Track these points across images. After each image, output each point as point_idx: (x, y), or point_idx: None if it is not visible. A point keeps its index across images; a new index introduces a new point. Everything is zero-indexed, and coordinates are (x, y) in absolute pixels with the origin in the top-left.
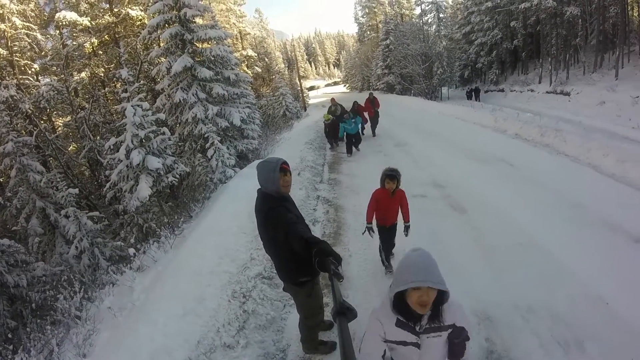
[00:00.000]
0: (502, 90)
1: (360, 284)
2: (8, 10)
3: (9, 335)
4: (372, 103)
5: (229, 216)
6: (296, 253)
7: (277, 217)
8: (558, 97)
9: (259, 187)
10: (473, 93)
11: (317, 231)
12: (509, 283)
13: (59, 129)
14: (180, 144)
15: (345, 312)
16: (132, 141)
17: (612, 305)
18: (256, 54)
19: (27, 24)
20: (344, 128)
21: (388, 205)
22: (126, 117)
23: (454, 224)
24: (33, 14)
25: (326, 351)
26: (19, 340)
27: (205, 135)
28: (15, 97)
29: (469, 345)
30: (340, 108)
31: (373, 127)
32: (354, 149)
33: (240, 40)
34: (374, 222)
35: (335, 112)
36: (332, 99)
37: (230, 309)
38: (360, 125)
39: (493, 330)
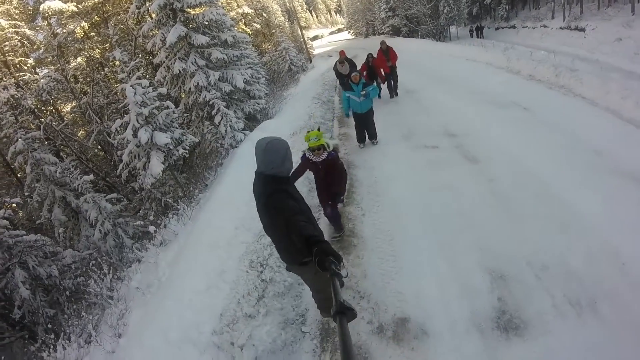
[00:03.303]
0: (514, 27)
1: (374, 244)
2: None
3: (49, 325)
4: (386, 55)
5: (241, 185)
6: None
7: (278, 203)
8: (572, 33)
9: (258, 170)
10: (475, 31)
11: (328, 138)
12: (524, 237)
13: (65, 117)
14: (186, 114)
15: (345, 312)
16: (137, 120)
17: (629, 265)
18: (253, 10)
19: (14, 22)
20: (349, 101)
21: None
22: (127, 97)
23: (468, 175)
24: (17, 11)
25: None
26: (59, 326)
27: (210, 102)
28: (16, 96)
29: None
30: (349, 66)
31: (390, 87)
32: (367, 138)
33: None
34: None
35: (342, 73)
36: (342, 52)
37: (249, 279)
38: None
39: (506, 290)
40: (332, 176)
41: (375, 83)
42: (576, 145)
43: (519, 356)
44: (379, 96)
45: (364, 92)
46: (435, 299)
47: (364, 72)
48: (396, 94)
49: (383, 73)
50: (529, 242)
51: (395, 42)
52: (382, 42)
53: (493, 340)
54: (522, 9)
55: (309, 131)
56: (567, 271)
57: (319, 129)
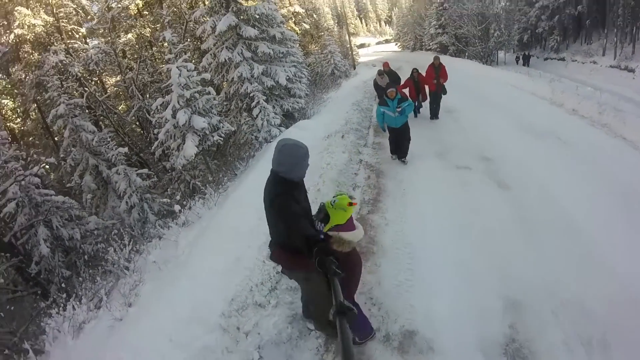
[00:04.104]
0: (563, 59)
1: (393, 255)
2: None
3: (63, 285)
4: (437, 71)
5: None
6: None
7: (281, 207)
8: (622, 73)
9: (272, 168)
10: (523, 59)
11: (356, 196)
12: (545, 269)
13: (109, 89)
14: (226, 103)
15: (345, 312)
16: (178, 101)
17: None
18: (304, 10)
19: None
20: (383, 115)
21: None
22: (172, 78)
23: (497, 200)
24: None
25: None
26: (72, 287)
27: (251, 94)
28: (64, 62)
29: None
30: (392, 77)
31: (433, 108)
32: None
33: None
34: None
35: (381, 86)
36: (385, 64)
37: (265, 269)
38: (412, 110)
39: (518, 318)
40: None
41: (417, 99)
42: (610, 185)
43: None
44: (417, 112)
45: (399, 109)
46: (446, 317)
47: (407, 88)
48: (436, 117)
49: (427, 90)
50: (549, 274)
51: (442, 60)
52: (436, 58)
53: None
54: (573, 42)
55: (351, 198)
56: (583, 309)
57: (350, 204)
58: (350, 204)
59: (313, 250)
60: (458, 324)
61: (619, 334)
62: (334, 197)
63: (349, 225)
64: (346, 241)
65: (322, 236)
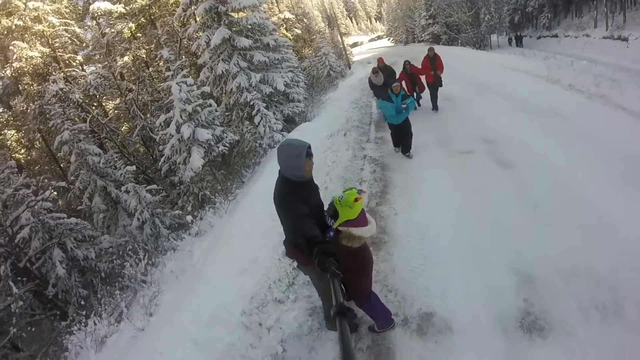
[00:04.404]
0: (556, 36)
1: (404, 242)
2: (43, 12)
3: (82, 303)
4: (432, 63)
5: None
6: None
7: (288, 206)
8: (615, 43)
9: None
10: (515, 40)
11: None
12: (554, 242)
13: (110, 112)
14: (227, 113)
15: (345, 312)
16: (180, 116)
17: None
18: (294, 16)
19: (64, 20)
20: (384, 109)
21: None
22: (172, 94)
23: (501, 181)
24: (67, 10)
25: (350, 330)
26: (90, 306)
27: (251, 103)
28: (64, 89)
29: None
30: (387, 72)
31: (433, 99)
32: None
33: (276, 4)
34: None
35: (376, 84)
36: (380, 59)
37: (281, 267)
38: (414, 104)
39: (532, 291)
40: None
41: (414, 92)
42: (612, 155)
43: (541, 357)
44: (418, 105)
45: (404, 106)
46: (462, 296)
47: (402, 81)
48: (436, 109)
49: (425, 82)
50: (558, 246)
51: (436, 50)
52: (430, 49)
53: (516, 340)
54: (564, 18)
55: (350, 189)
56: (594, 276)
57: (358, 197)
58: (356, 200)
59: (313, 250)
60: (473, 302)
61: (630, 295)
62: (343, 191)
63: (360, 220)
64: (356, 236)
65: (331, 232)
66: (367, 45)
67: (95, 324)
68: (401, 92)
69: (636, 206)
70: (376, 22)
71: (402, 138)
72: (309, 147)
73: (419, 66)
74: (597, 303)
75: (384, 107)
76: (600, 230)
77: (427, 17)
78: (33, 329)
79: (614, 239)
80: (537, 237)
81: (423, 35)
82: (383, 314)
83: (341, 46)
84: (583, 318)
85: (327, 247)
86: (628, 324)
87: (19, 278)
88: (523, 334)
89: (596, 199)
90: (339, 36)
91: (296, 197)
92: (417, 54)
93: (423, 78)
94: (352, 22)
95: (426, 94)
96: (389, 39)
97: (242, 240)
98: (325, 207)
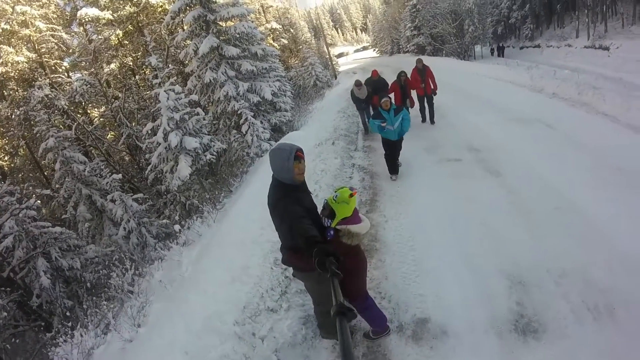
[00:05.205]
0: (539, 46)
1: (396, 249)
2: (30, 16)
3: (67, 314)
4: (422, 75)
5: (267, 189)
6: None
7: (283, 209)
8: (597, 52)
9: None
10: (497, 50)
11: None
12: (544, 247)
13: (96, 119)
14: (214, 122)
15: (345, 312)
16: (168, 124)
17: None
18: (281, 26)
19: (51, 25)
20: (378, 128)
21: None
22: (160, 101)
23: (489, 187)
24: (55, 16)
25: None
26: (76, 317)
27: (239, 112)
28: (50, 96)
29: None
30: (380, 84)
31: (423, 112)
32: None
33: (263, 14)
34: None
35: (359, 97)
36: (374, 72)
37: (273, 275)
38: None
39: (525, 294)
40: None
41: (404, 105)
42: (597, 161)
43: (536, 358)
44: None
45: (397, 122)
46: (455, 301)
47: (393, 92)
48: (432, 122)
49: (415, 96)
50: (548, 251)
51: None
52: (419, 61)
53: (511, 342)
54: (547, 28)
55: (352, 190)
56: (585, 279)
57: (351, 196)
58: (351, 195)
59: (313, 250)
60: (467, 307)
61: (621, 297)
62: (335, 192)
63: (355, 218)
64: (354, 234)
65: (331, 232)
66: (353, 55)
67: (81, 335)
68: (392, 107)
69: (622, 209)
70: (362, 33)
71: (395, 156)
72: (299, 150)
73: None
74: (588, 304)
75: (374, 127)
76: (588, 233)
77: (412, 29)
78: (17, 341)
79: (603, 242)
80: (527, 242)
81: (408, 46)
82: (379, 319)
83: (327, 56)
84: (576, 319)
85: (327, 247)
86: (619, 324)
87: (2, 288)
88: (517, 336)
89: (583, 204)
90: (325, 46)
91: (291, 199)
92: (402, 64)
93: (414, 92)
94: (338, 32)
95: (415, 109)
96: (374, 50)
97: (232, 248)
98: (319, 211)
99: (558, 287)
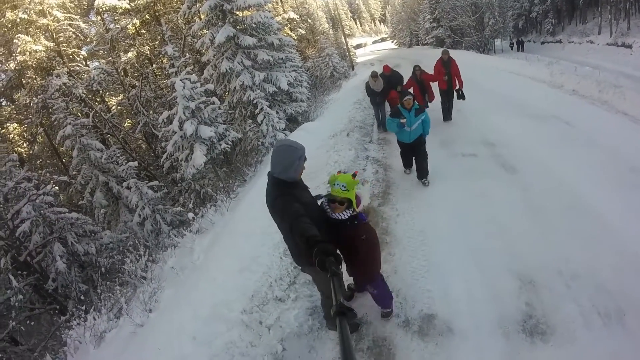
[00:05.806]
0: (560, 42)
1: (406, 243)
2: (48, 5)
3: (82, 297)
4: (446, 67)
5: None
6: None
7: (282, 207)
8: (619, 50)
9: (270, 171)
10: (516, 45)
11: (366, 190)
12: (556, 247)
13: (113, 108)
14: (230, 111)
15: (345, 312)
16: (184, 113)
17: None
18: (298, 16)
19: (68, 14)
20: (398, 126)
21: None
22: (176, 90)
23: (503, 184)
24: (72, 5)
25: (351, 330)
26: (90, 301)
27: (254, 102)
28: (68, 84)
29: None
30: (394, 79)
31: (445, 109)
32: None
33: (281, 4)
34: None
35: (374, 90)
36: (386, 67)
37: (282, 265)
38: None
39: (534, 295)
40: (356, 250)
41: (423, 101)
42: (614, 161)
43: None
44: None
45: (419, 119)
46: (463, 299)
47: (411, 88)
48: (449, 118)
49: (437, 91)
50: (560, 251)
51: (437, 53)
52: (444, 52)
53: (517, 343)
54: (568, 24)
55: (339, 172)
56: (596, 282)
57: (354, 176)
58: (354, 176)
59: (313, 250)
60: (475, 305)
61: (632, 302)
62: (335, 184)
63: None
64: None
65: (364, 215)
66: (371, 47)
67: (94, 319)
68: (414, 107)
69: (636, 211)
70: (380, 24)
71: (411, 159)
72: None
73: (429, 71)
74: (599, 309)
75: (391, 126)
76: (602, 235)
77: (431, 20)
78: (32, 323)
79: (616, 244)
80: (539, 241)
81: (427, 38)
82: (389, 298)
83: (345, 47)
84: (585, 323)
85: (327, 247)
86: (629, 332)
87: (19, 272)
88: (525, 337)
89: (598, 204)
90: (342, 37)
91: (290, 197)
92: (420, 57)
93: (434, 85)
94: (356, 23)
95: (436, 104)
96: (392, 42)
97: (243, 238)
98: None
99: (569, 290)
